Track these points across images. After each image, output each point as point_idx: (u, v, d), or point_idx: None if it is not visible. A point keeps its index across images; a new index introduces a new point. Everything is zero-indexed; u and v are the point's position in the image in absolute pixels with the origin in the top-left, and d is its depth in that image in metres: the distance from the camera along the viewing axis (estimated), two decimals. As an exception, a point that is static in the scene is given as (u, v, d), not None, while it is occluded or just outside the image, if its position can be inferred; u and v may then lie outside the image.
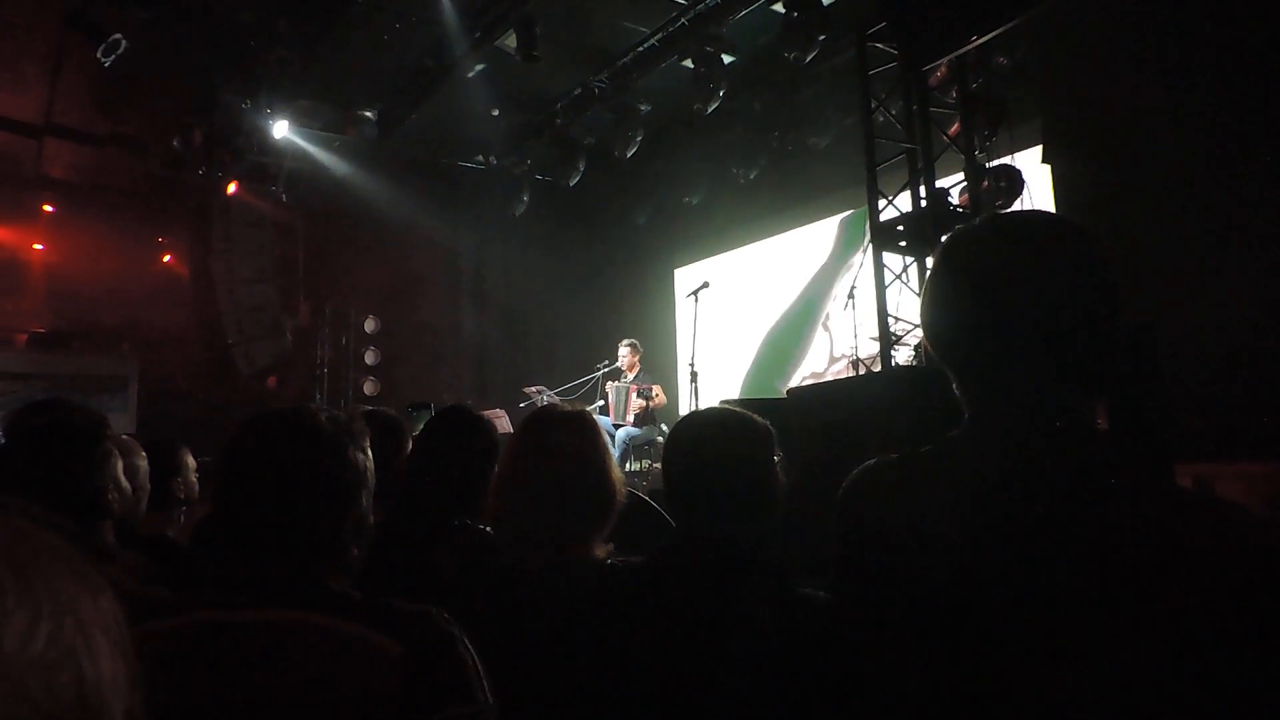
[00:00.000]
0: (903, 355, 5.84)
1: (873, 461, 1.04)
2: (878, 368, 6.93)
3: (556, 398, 8.16)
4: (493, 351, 11.54)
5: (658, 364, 9.14)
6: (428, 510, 1.82)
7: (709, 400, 7.94)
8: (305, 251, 10.36)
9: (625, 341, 7.84)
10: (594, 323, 10.80)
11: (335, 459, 1.13)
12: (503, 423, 8.38)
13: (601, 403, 7.67)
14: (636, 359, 7.82)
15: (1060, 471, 0.87)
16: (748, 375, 9.57)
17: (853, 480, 1.04)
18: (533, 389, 8.23)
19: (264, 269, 10.12)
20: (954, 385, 0.98)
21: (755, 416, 1.51)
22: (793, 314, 9.15)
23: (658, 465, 8.16)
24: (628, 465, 7.59)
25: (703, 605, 1.34)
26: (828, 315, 8.83)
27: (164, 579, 1.64)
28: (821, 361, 8.81)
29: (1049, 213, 1.02)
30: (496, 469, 1.67)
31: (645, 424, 7.38)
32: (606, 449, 1.66)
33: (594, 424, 1.67)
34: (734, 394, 9.43)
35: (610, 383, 7.62)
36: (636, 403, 7.28)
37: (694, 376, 6.32)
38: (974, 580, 0.86)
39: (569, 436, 1.63)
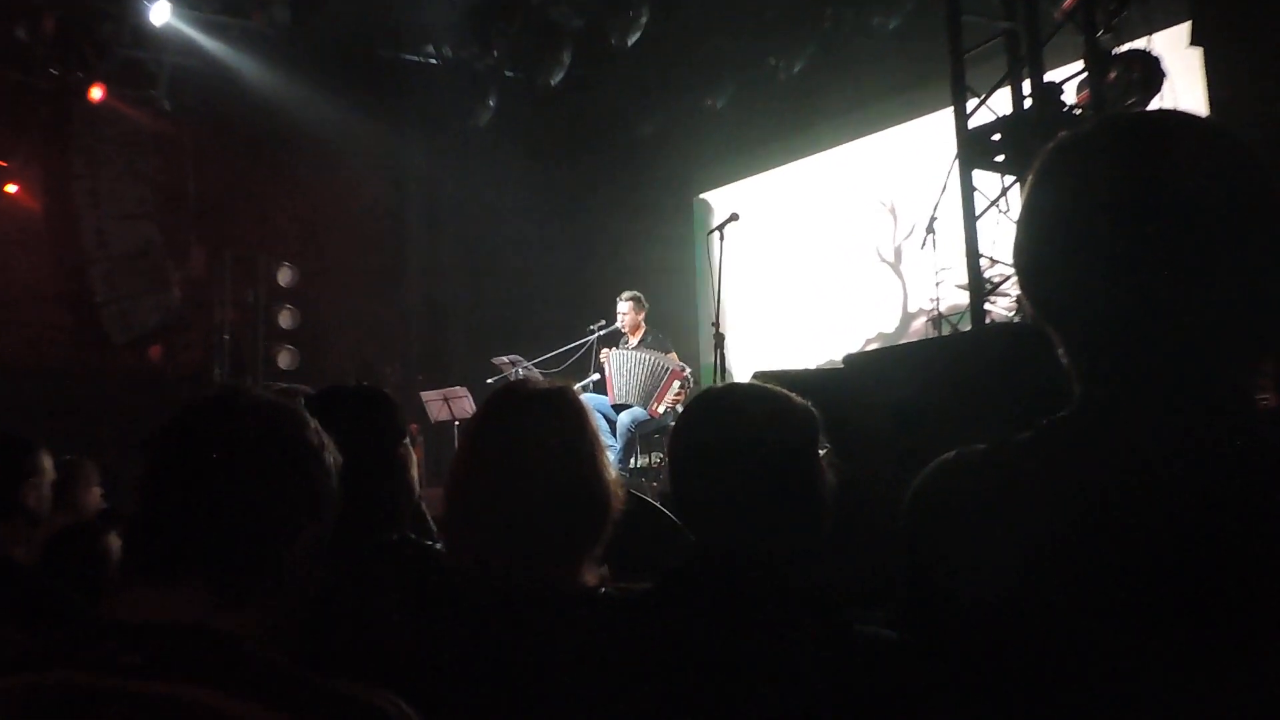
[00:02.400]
0: (1001, 308, 5.88)
1: (952, 455, 1.04)
2: (966, 326, 6.96)
3: (535, 371, 8.32)
4: (450, 310, 11.64)
5: (670, 324, 9.16)
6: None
7: (739, 373, 8.11)
8: (197, 178, 10.33)
9: (626, 295, 7.92)
10: (585, 270, 10.87)
11: (296, 465, 1.18)
12: (464, 404, 8.81)
13: (597, 376, 7.79)
14: (641, 318, 7.91)
15: (1214, 470, 0.84)
16: (791, 339, 9.72)
17: (925, 480, 1.05)
18: (504, 359, 8.40)
19: (142, 201, 10.12)
20: (1060, 350, 0.97)
21: (792, 395, 1.55)
22: (850, 257, 9.20)
23: None
24: (633, 460, 7.68)
25: (726, 647, 1.35)
26: (899, 257, 8.91)
27: (7, 613, 1.65)
28: (890, 319, 8.87)
29: (1197, 115, 0.97)
30: (453, 466, 1.72)
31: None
32: (596, 437, 1.71)
33: (577, 403, 1.73)
34: (772, 364, 9.42)
35: (608, 350, 7.72)
36: (673, 394, 7.42)
37: (719, 341, 6.34)
38: (1093, 622, 0.84)
39: (545, 420, 1.67)
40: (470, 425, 1.74)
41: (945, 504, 1.00)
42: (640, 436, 7.57)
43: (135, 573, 1.12)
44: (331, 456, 1.23)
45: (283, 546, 1.16)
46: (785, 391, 1.56)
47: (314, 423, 1.24)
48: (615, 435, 7.31)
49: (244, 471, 1.15)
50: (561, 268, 11.16)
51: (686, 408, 1.62)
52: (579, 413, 1.71)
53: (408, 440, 2.09)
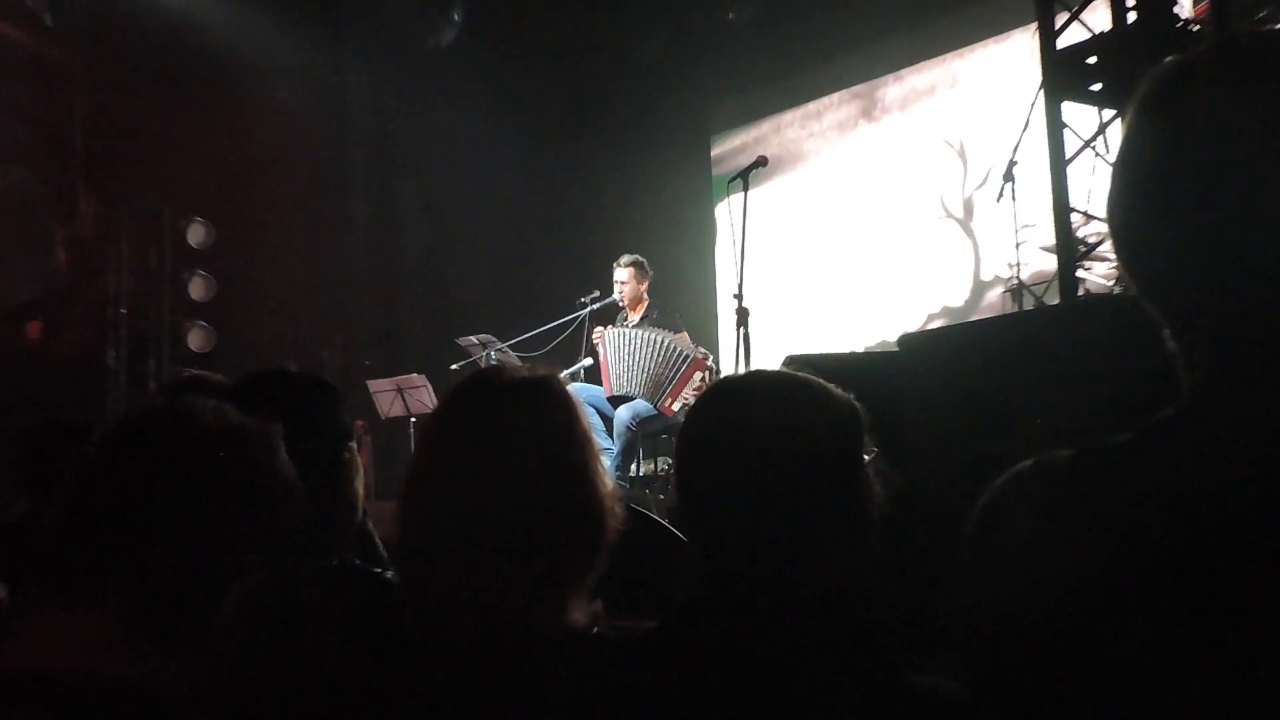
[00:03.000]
0: (1097, 276, 5.89)
1: (1030, 463, 1.04)
2: (1054, 299, 6.95)
3: (512, 354, 8.41)
4: (405, 279, 11.82)
5: (681, 298, 9.22)
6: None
7: (767, 358, 8.20)
8: (86, 113, 10.31)
9: (625, 260, 8.01)
10: (574, 229, 11.00)
11: (262, 498, 1.31)
12: (422, 396, 9.02)
13: (589, 361, 7.88)
14: (644, 289, 8.02)
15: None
16: (831, 316, 9.84)
17: (997, 494, 1.05)
18: (472, 340, 8.44)
19: (15, 142, 10.10)
20: (1166, 331, 0.96)
21: (831, 387, 1.56)
22: (907, 212, 9.26)
23: None
24: (634, 466, 7.78)
25: (746, 701, 1.37)
26: (969, 212, 9.00)
27: None
28: (959, 291, 8.98)
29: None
30: (408, 475, 1.75)
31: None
32: (588, 439, 1.74)
33: (564, 396, 1.77)
34: (807, 347, 9.62)
35: (603, 328, 7.81)
36: (693, 387, 7.50)
37: (742, 318, 6.33)
38: (1207, 675, 0.83)
39: (524, 418, 1.71)
40: (430, 424, 1.77)
41: (1020, 526, 1.00)
42: (644, 437, 7.64)
43: (46, 588, 1.19)
44: (287, 474, 1.34)
45: (225, 586, 1.24)
46: (823, 382, 1.57)
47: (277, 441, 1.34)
48: (612, 435, 7.40)
49: (199, 494, 1.25)
50: (545, 226, 11.23)
51: (698, 402, 1.65)
52: (566, 408, 1.75)
53: (353, 443, 2.11)
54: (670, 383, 7.53)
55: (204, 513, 1.25)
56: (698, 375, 7.47)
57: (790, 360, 4.02)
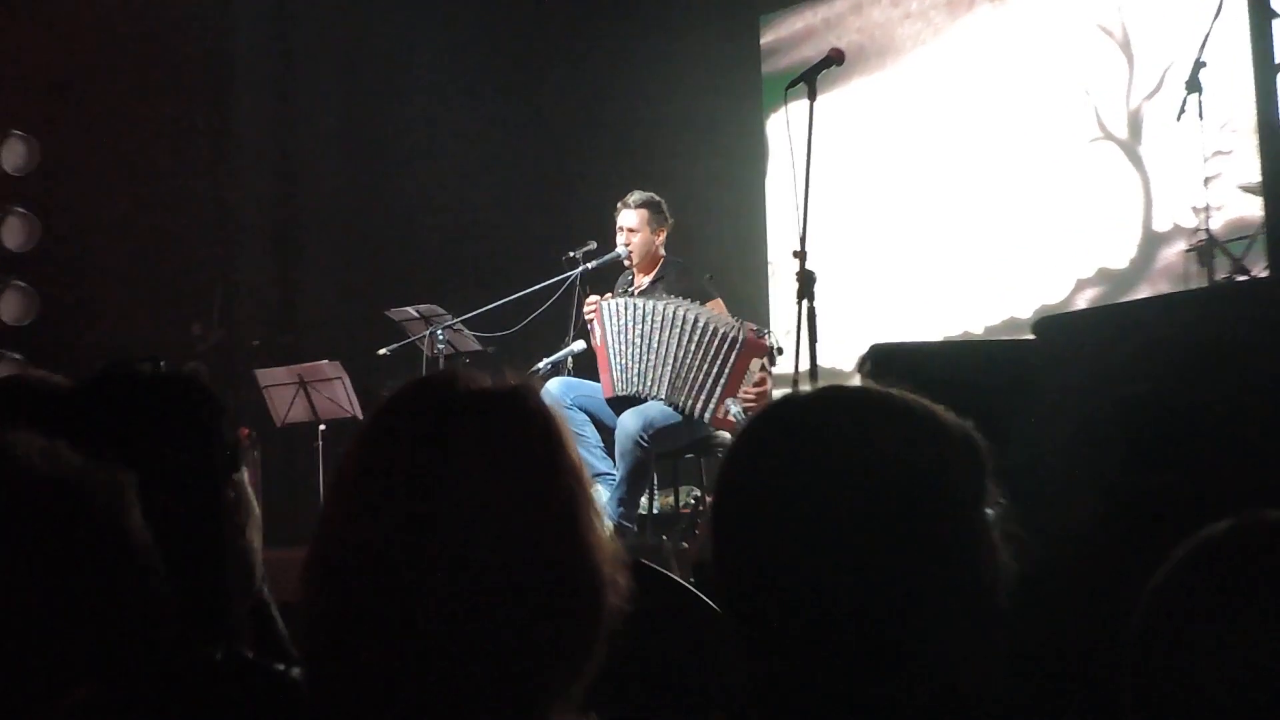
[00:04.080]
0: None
1: (1225, 529, 1.08)
2: (1258, 262, 6.89)
3: (468, 333, 8.53)
4: (312, 226, 12.00)
5: (712, 252, 9.29)
6: None
7: (839, 344, 8.28)
8: None
9: (634, 199, 8.10)
10: (558, 157, 11.29)
11: (100, 583, 1.36)
12: (335, 393, 9.27)
13: (578, 345, 7.98)
14: (661, 240, 8.15)
15: None
16: (929, 283, 9.97)
17: (1180, 576, 1.11)
18: (410, 313, 8.59)
19: None
20: None
21: (938, 411, 1.60)
22: (1044, 131, 9.40)
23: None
24: (645, 499, 7.96)
25: None
26: (1135, 131, 9.09)
27: None
28: (1121, 247, 9.12)
29: None
30: (322, 524, 1.80)
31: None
32: (577, 479, 1.79)
33: (542, 416, 1.82)
34: (896, 330, 9.79)
35: (599, 298, 7.91)
36: (753, 383, 7.61)
37: (804, 285, 6.31)
38: None
39: (484, 449, 1.76)
40: (350, 456, 1.80)
41: (1220, 631, 1.02)
42: (660, 456, 7.74)
43: None
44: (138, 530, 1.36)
45: (48, 702, 1.24)
46: (927, 405, 1.60)
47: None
48: (612, 453, 7.53)
49: (15, 572, 1.27)
50: (514, 151, 11.41)
51: (749, 428, 1.69)
52: (547, 435, 1.79)
53: (240, 474, 2.14)
54: (708, 377, 7.62)
55: (20, 597, 1.26)
56: (756, 363, 7.59)
57: (878, 350, 4.03)
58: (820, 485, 1.55)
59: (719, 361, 7.56)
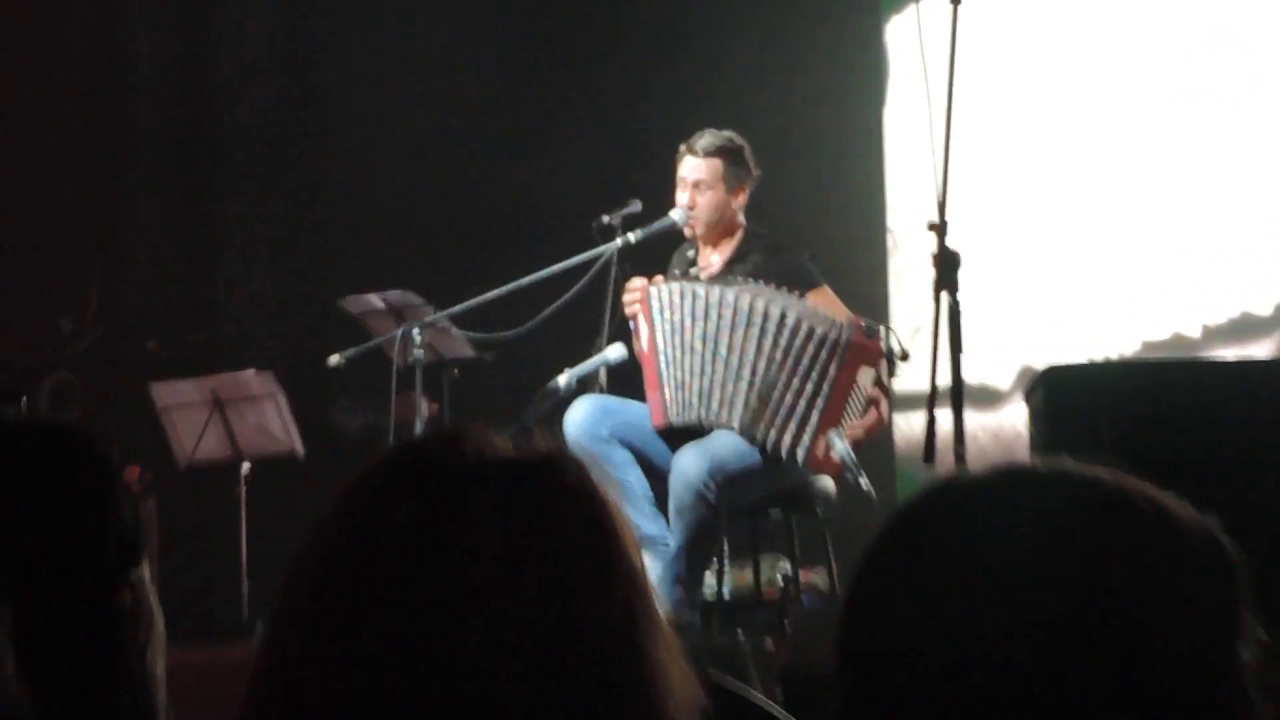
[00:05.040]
0: None
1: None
2: None
3: (456, 333, 8.64)
4: (233, 184, 12.27)
5: (812, 221, 9.35)
6: None
7: (992, 358, 8.48)
8: None
9: (703, 142, 8.10)
10: (581, 80, 11.44)
11: None
12: (265, 418, 9.50)
13: (615, 351, 7.95)
14: (741, 201, 8.16)
15: None
16: (1122, 269, 10.09)
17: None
18: (374, 304, 8.80)
19: None
20: None
21: (1165, 502, 1.59)
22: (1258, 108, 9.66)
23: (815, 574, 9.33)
24: (714, 575, 7.95)
25: None
26: None
27: None
28: None
29: None
30: (267, 639, 1.85)
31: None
32: (640, 592, 1.81)
33: (589, 499, 1.83)
34: (1077, 339, 9.91)
35: (645, 281, 7.93)
36: (860, 403, 7.66)
37: (946, 269, 6.20)
38: None
39: (506, 555, 1.76)
40: (313, 555, 1.80)
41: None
42: (733, 512, 7.73)
43: None
44: None
45: None
46: (1152, 496, 1.58)
47: None
48: (666, 509, 7.54)
49: None
50: (523, 73, 11.60)
51: (898, 525, 1.68)
52: (595, 525, 1.80)
53: (140, 572, 2.12)
54: (800, 398, 7.67)
55: None
56: (866, 375, 7.64)
57: (1052, 379, 4.16)
58: (1002, 621, 1.55)
59: (815, 375, 7.62)
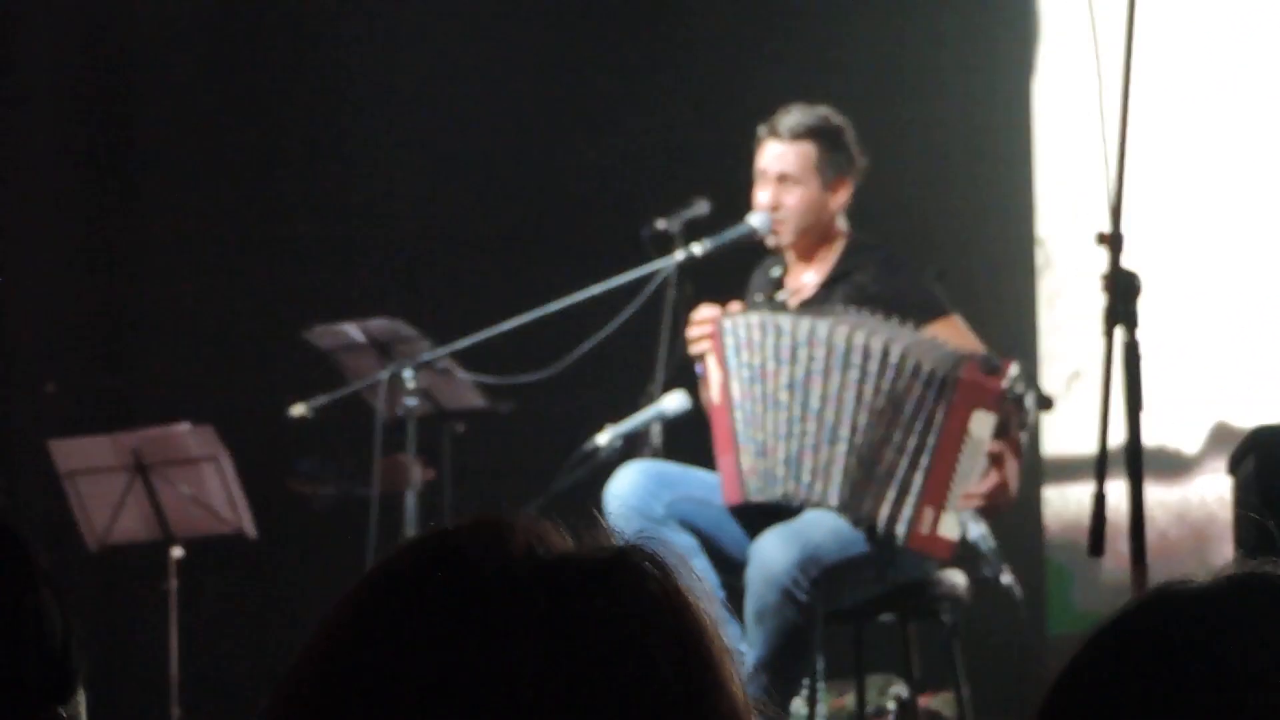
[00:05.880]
0: None
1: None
2: None
3: (461, 375, 8.67)
4: (157, 177, 12.39)
5: (940, 230, 9.31)
6: None
7: (1174, 405, 8.27)
8: None
9: (786, 124, 8.12)
10: (624, 48, 11.51)
11: None
12: (203, 482, 9.41)
13: (677, 402, 8.07)
14: (841, 198, 8.19)
15: None
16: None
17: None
18: (351, 335, 8.75)
19: None
20: None
21: None
22: None
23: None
24: (807, 695, 7.93)
25: None
26: None
27: None
28: None
29: None
30: None
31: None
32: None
33: (678, 611, 1.82)
34: (1246, 384, 9.89)
35: (714, 310, 7.90)
36: (976, 451, 7.64)
37: (1123, 295, 6.22)
38: None
39: (572, 686, 1.75)
40: (316, 678, 1.77)
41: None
42: (831, 616, 7.80)
43: None
44: None
45: None
46: None
47: None
48: (740, 609, 7.52)
49: None
50: (548, 38, 11.62)
51: (1101, 646, 1.74)
52: (687, 645, 1.78)
53: (76, 706, 2.20)
54: (901, 455, 7.73)
55: None
56: (984, 424, 7.66)
57: (1263, 441, 4.15)
58: None
59: (920, 425, 7.70)
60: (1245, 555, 1.85)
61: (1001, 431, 7.55)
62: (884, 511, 7.56)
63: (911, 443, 7.61)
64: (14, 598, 2.24)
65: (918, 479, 7.55)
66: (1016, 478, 7.69)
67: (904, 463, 7.59)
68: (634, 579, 1.77)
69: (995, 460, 7.55)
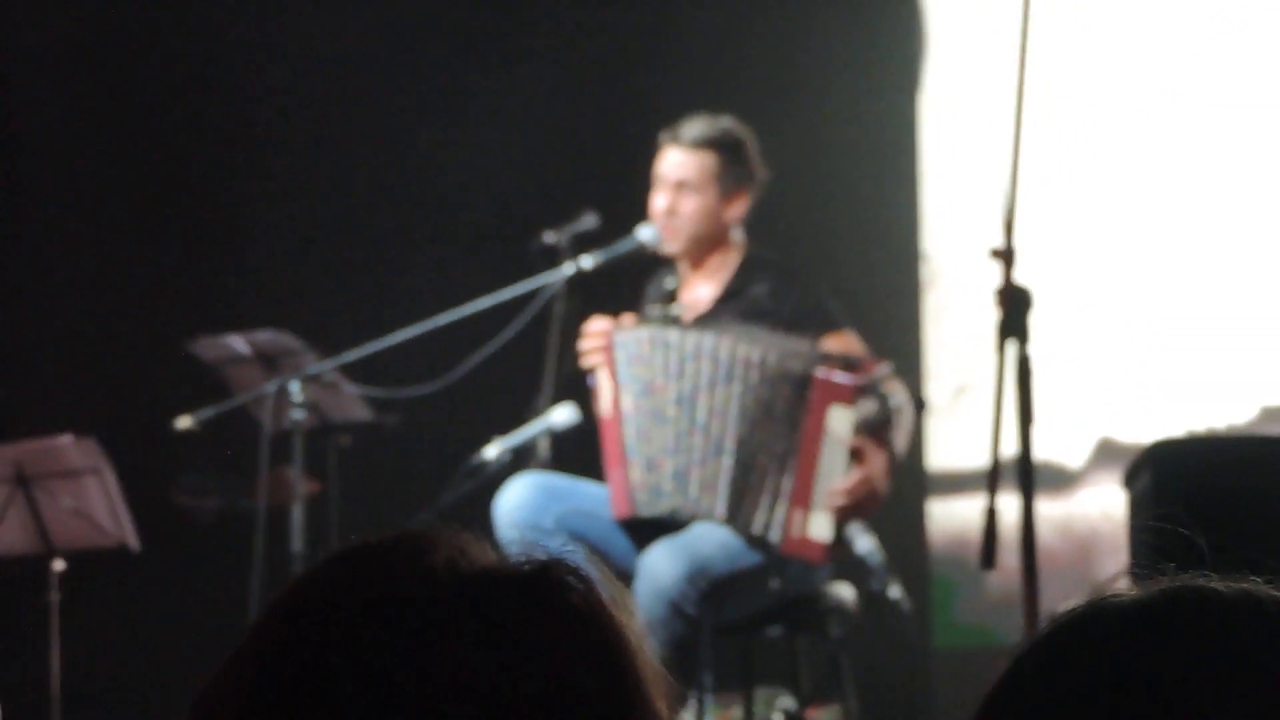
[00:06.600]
0: None
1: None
2: None
3: (349, 389, 8.67)
4: (41, 175, 12.28)
5: (811, 232, 9.48)
6: None
7: (1070, 428, 8.36)
8: None
9: (688, 133, 8.14)
10: (525, 43, 11.48)
11: None
12: (85, 494, 9.26)
13: (564, 415, 8.05)
14: (737, 210, 8.22)
15: None
16: (1187, 320, 10.19)
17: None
18: (236, 348, 8.73)
19: None
20: None
21: None
22: None
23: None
24: (695, 711, 7.90)
25: None
26: None
27: None
28: None
29: None
30: None
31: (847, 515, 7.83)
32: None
33: (604, 628, 1.82)
34: (1183, 403, 9.95)
35: (606, 325, 7.95)
36: (832, 446, 7.68)
37: (1015, 309, 6.26)
38: None
39: (491, 702, 1.77)
40: (229, 701, 1.80)
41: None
42: (720, 629, 7.85)
43: None
44: None
45: None
46: None
47: None
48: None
49: None
50: (439, 26, 11.49)
51: (1030, 664, 1.76)
52: (613, 658, 1.79)
53: None
54: (773, 457, 7.80)
55: None
56: (842, 419, 7.72)
57: (1159, 456, 4.20)
58: None
59: (786, 426, 7.77)
60: (1142, 568, 1.87)
61: (865, 428, 7.64)
62: (760, 519, 7.64)
63: (780, 446, 7.70)
64: None
65: (786, 482, 7.65)
66: (885, 475, 7.79)
67: (774, 467, 7.69)
68: (557, 592, 1.78)
69: (858, 456, 7.65)
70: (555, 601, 1.77)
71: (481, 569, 1.79)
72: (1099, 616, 1.75)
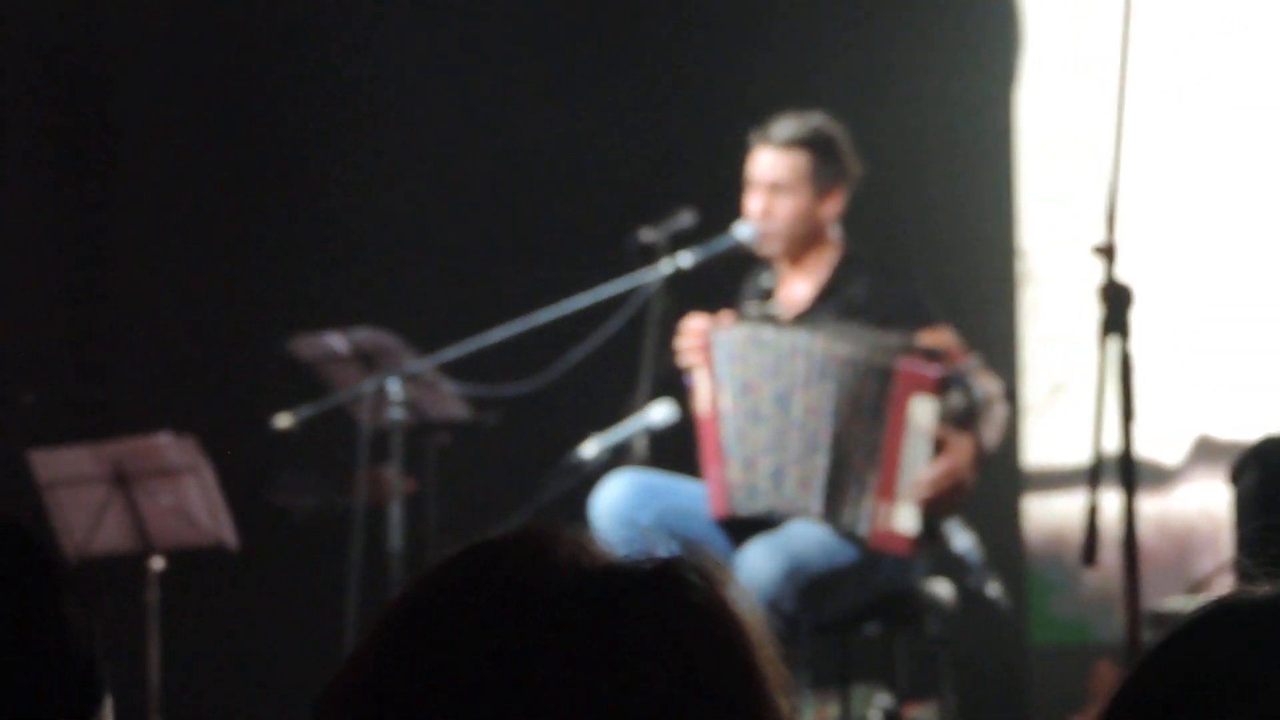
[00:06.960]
0: None
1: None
2: None
3: (447, 387, 8.65)
4: (135, 180, 12.30)
5: (907, 230, 9.29)
6: None
7: (1168, 422, 8.39)
8: None
9: (779, 133, 8.10)
10: (613, 52, 11.51)
11: None
12: (185, 495, 9.29)
13: (663, 414, 8.09)
14: (832, 208, 8.19)
15: None
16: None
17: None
18: (334, 346, 8.78)
19: None
20: None
21: None
22: None
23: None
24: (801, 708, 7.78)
25: None
26: None
27: None
28: None
29: None
30: None
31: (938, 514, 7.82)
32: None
33: (727, 627, 1.81)
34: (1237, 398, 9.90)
35: (704, 324, 7.93)
36: (916, 435, 7.66)
37: (1117, 306, 6.21)
38: None
39: (613, 698, 1.76)
40: (353, 700, 1.82)
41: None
42: (817, 627, 7.82)
43: None
44: None
45: None
46: None
47: None
48: None
49: None
50: (537, 38, 11.56)
51: (1161, 663, 1.73)
52: (735, 655, 1.78)
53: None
54: (860, 451, 7.79)
55: None
56: (924, 409, 7.71)
57: (1267, 453, 4.15)
58: None
59: (872, 420, 7.76)
60: (1253, 565, 1.79)
61: (950, 419, 7.61)
62: (849, 513, 7.64)
63: (868, 440, 7.69)
64: (36, 608, 2.19)
65: (871, 474, 7.65)
66: (970, 466, 7.74)
67: (864, 462, 7.69)
68: (679, 589, 1.76)
69: (942, 447, 7.63)
70: (679, 598, 1.76)
71: (604, 566, 1.78)
72: (1231, 612, 1.74)
